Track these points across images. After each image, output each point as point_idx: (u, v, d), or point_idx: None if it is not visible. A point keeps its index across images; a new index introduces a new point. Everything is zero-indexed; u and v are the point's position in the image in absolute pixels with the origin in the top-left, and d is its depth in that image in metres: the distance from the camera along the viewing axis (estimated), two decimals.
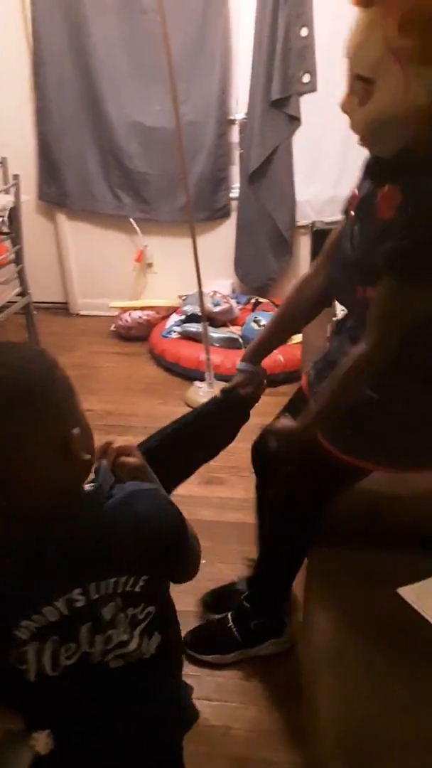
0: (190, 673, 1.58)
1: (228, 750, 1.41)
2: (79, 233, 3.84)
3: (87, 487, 0.81)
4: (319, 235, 2.85)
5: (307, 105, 3.16)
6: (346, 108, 1.02)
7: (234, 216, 3.62)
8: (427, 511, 1.46)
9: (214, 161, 3.47)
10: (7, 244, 3.10)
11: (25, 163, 3.55)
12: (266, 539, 1.62)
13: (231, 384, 1.36)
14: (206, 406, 1.35)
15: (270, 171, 3.36)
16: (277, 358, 3.00)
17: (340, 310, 1.49)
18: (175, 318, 3.51)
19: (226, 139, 3.47)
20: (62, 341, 3.63)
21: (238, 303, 3.53)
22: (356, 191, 1.16)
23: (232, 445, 2.79)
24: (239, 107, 3.43)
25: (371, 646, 1.12)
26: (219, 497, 2.28)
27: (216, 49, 3.23)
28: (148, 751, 0.93)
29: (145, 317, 3.62)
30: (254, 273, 3.65)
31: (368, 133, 1.03)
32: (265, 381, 1.41)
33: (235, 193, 3.59)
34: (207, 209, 3.59)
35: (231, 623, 1.64)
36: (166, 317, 3.62)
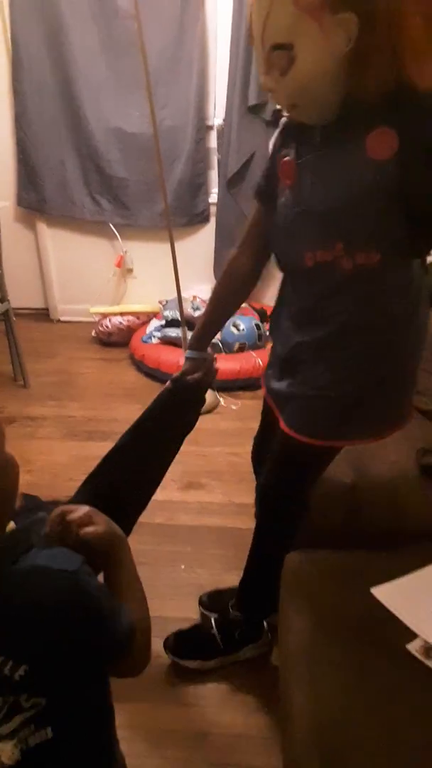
0: (170, 679, 1.57)
1: (206, 755, 1.41)
2: (58, 239, 3.84)
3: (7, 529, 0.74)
4: None
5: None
6: (268, 85, 1.03)
7: (213, 221, 3.63)
8: (401, 510, 1.48)
9: (192, 166, 3.49)
10: None
11: (3, 170, 3.54)
12: (258, 536, 1.60)
13: (179, 372, 1.38)
14: (161, 396, 1.36)
15: (248, 176, 3.38)
16: (256, 361, 3.01)
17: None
18: (155, 323, 3.51)
19: (204, 144, 3.48)
20: (43, 347, 3.62)
21: None
22: (288, 158, 1.16)
23: (209, 450, 2.81)
24: (217, 113, 3.45)
25: (345, 646, 1.13)
26: (198, 502, 2.28)
27: (193, 55, 3.25)
28: None
29: (125, 323, 3.62)
30: None
31: (299, 98, 1.04)
32: (215, 365, 1.42)
33: (214, 198, 3.61)
34: (186, 214, 3.60)
35: (215, 629, 1.64)
36: (146, 322, 3.62)
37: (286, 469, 1.39)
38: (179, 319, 2.90)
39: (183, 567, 1.95)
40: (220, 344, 3.21)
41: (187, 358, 1.41)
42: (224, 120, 3.36)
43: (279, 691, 1.20)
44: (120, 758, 0.91)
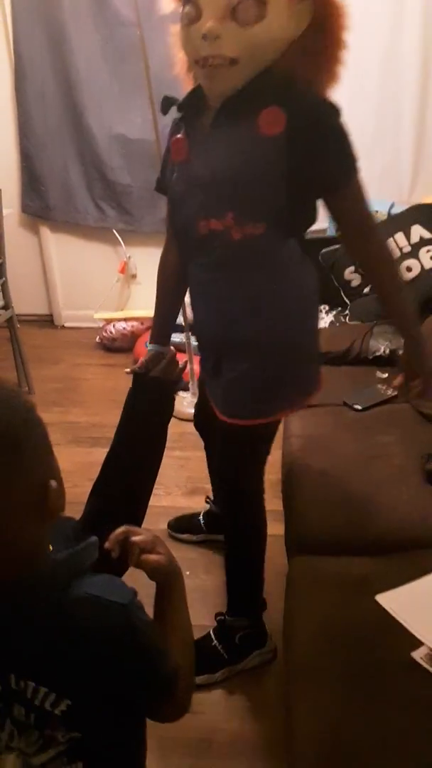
0: None
1: (210, 763, 1.40)
2: (62, 245, 3.85)
3: (58, 555, 0.71)
4: None
5: None
6: (215, 31, 1.08)
7: None
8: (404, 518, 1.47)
9: None
10: None
11: (7, 178, 3.55)
12: (227, 528, 1.64)
13: (138, 366, 1.41)
14: (129, 393, 1.36)
15: None
16: None
17: None
18: None
19: None
20: (47, 354, 3.62)
21: None
22: (179, 136, 1.28)
23: None
24: None
25: (349, 654, 1.12)
26: (203, 507, 2.27)
27: None
28: None
29: (129, 328, 3.62)
30: None
31: (247, 52, 1.11)
32: (176, 359, 1.43)
33: None
34: None
35: (215, 641, 1.63)
36: (150, 328, 3.62)
37: (227, 452, 1.50)
38: (183, 324, 2.90)
39: (188, 573, 1.94)
40: None
41: (148, 351, 1.51)
42: None
43: (283, 699, 1.19)
44: None
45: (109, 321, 3.67)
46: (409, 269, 2.57)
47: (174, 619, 0.84)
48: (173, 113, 1.34)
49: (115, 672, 0.70)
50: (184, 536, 2.07)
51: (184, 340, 2.91)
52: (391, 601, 1.20)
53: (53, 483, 0.68)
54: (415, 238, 2.61)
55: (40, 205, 3.68)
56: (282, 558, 1.57)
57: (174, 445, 2.12)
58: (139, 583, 0.80)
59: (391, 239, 2.64)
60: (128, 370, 1.42)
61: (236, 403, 1.38)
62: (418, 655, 1.08)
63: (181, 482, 2.40)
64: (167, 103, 1.34)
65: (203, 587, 1.87)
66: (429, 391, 1.34)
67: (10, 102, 3.49)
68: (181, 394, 2.99)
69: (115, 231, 3.68)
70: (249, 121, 1.15)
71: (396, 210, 2.86)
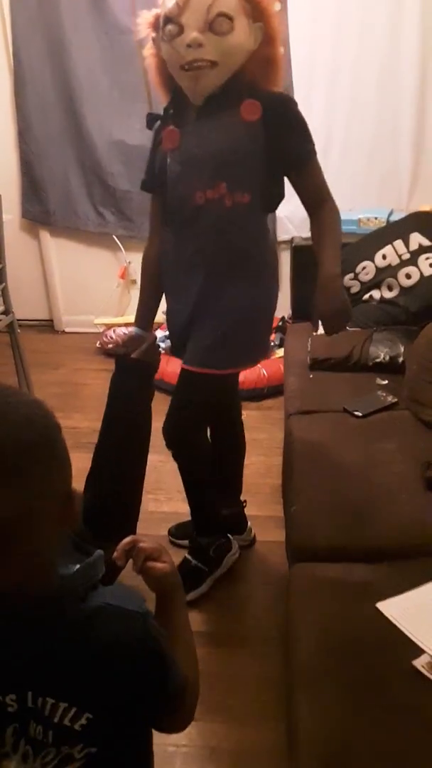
0: None
1: None
2: (62, 251, 3.86)
3: (69, 569, 0.70)
4: (299, 250, 2.87)
5: None
6: (198, 40, 1.36)
7: None
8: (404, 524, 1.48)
9: None
10: None
11: (8, 184, 3.56)
12: (181, 469, 1.86)
13: (121, 341, 1.62)
14: (113, 375, 1.58)
15: None
16: (260, 372, 3.02)
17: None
18: (159, 334, 3.52)
19: None
20: (47, 359, 3.63)
21: None
22: (171, 128, 1.53)
23: None
24: None
25: (351, 662, 1.13)
26: None
27: None
28: None
29: (129, 333, 3.62)
30: None
31: (225, 57, 1.41)
32: (157, 344, 1.72)
33: None
34: None
35: (193, 561, 1.86)
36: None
37: (187, 397, 1.69)
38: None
39: None
40: None
41: (131, 332, 1.77)
42: None
43: (285, 706, 1.20)
44: None
45: (109, 326, 3.68)
46: (408, 276, 2.58)
47: (177, 631, 0.84)
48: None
49: (135, 680, 0.70)
50: (185, 543, 2.07)
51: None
52: (393, 608, 1.20)
53: (76, 490, 0.69)
54: (413, 246, 2.62)
55: (41, 210, 3.70)
56: (283, 565, 1.57)
57: None
58: None
59: (390, 246, 2.65)
60: (111, 345, 1.60)
61: (205, 353, 1.60)
62: (419, 663, 1.09)
63: (182, 488, 2.40)
64: (152, 119, 1.61)
65: (204, 591, 1.87)
66: (330, 328, 1.59)
67: (10, 108, 3.50)
68: None
69: (115, 236, 3.70)
70: (232, 110, 1.46)
71: (395, 217, 2.87)
